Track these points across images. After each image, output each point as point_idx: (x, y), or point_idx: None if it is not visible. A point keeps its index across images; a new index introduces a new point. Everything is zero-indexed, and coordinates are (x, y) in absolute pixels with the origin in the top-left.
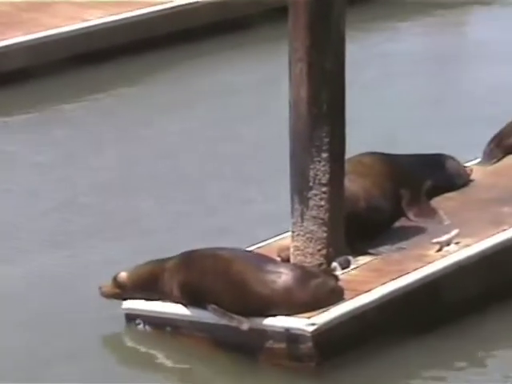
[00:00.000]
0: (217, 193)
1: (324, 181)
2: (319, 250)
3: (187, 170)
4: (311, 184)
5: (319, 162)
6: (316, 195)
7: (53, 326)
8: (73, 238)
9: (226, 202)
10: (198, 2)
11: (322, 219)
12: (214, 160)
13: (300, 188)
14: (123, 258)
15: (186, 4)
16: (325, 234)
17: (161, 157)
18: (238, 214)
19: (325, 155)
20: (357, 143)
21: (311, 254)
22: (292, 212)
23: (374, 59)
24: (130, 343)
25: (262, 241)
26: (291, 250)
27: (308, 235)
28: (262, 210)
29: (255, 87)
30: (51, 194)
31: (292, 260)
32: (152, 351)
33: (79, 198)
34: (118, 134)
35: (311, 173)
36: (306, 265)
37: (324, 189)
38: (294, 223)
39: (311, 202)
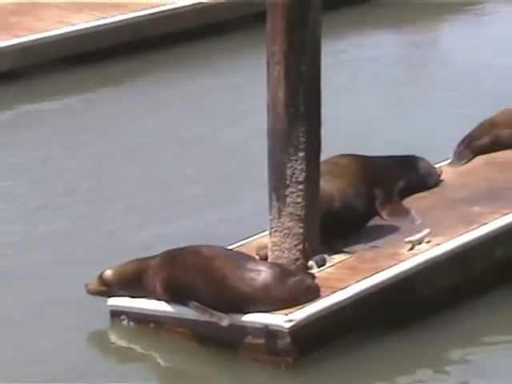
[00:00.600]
0: (193, 195)
1: (301, 179)
2: (296, 245)
3: (162, 173)
4: (288, 182)
5: (296, 160)
6: (293, 193)
7: (39, 322)
8: (48, 240)
9: (202, 204)
10: (181, 7)
11: (298, 216)
12: (191, 162)
13: (277, 186)
14: (98, 259)
15: (169, 9)
16: (301, 230)
17: (135, 159)
18: (214, 216)
19: (301, 154)
20: (331, 143)
21: (288, 249)
22: (270, 209)
23: (343, 64)
24: (114, 339)
25: (242, 239)
26: (269, 245)
27: (285, 231)
28: (239, 212)
29: (235, 89)
30: (26, 197)
31: (270, 255)
32: (136, 346)
33: (52, 200)
34: (95, 135)
35: (288, 171)
36: (283, 262)
37: (301, 186)
38: (271, 219)
39: (288, 199)
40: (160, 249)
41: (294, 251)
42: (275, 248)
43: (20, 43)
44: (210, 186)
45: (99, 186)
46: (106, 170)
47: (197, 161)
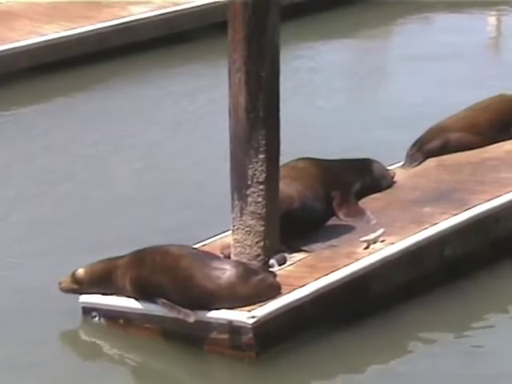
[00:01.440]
0: (144, 199)
1: (261, 179)
2: (257, 243)
3: (113, 179)
4: (249, 182)
5: (257, 162)
6: (254, 192)
7: (13, 319)
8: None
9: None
10: (146, 18)
11: (259, 214)
12: (142, 169)
13: (239, 186)
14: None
15: (135, 20)
16: (262, 228)
17: (87, 166)
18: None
19: (262, 156)
20: (289, 145)
21: (249, 245)
22: (232, 208)
23: (296, 71)
24: (85, 334)
25: (207, 239)
26: (232, 242)
27: (247, 229)
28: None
29: (198, 95)
30: None
31: (232, 251)
32: (106, 342)
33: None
34: (47, 144)
35: (250, 172)
36: (245, 258)
37: (261, 186)
38: (233, 218)
39: (249, 199)
40: (117, 250)
41: (255, 248)
42: (238, 245)
43: None
44: (162, 192)
45: (51, 194)
46: (58, 178)
47: (147, 167)
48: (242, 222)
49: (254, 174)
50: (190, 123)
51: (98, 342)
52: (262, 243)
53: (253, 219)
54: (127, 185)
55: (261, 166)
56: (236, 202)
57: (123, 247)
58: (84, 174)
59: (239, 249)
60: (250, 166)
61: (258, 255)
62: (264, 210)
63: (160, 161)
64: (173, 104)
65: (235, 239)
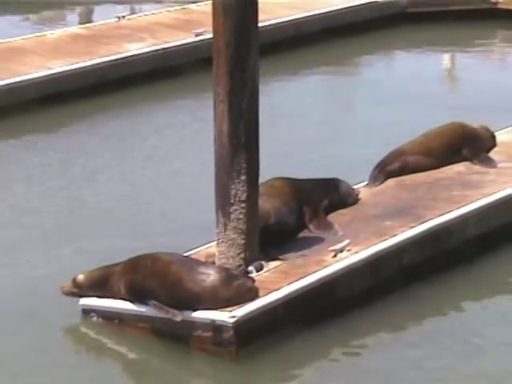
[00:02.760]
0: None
1: (243, 198)
2: (238, 254)
3: (84, 208)
4: (232, 201)
5: (239, 183)
6: (236, 210)
7: (19, 319)
8: None
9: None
10: (139, 54)
11: (240, 229)
12: (112, 198)
13: (223, 204)
14: None
15: (129, 56)
16: (243, 241)
17: (60, 198)
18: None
19: (243, 177)
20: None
21: (232, 256)
22: (217, 223)
23: (275, 103)
24: (85, 333)
25: (193, 248)
26: (216, 254)
27: (229, 242)
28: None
29: (187, 125)
30: None
31: (216, 262)
32: (102, 340)
33: None
34: (24, 176)
35: (232, 192)
36: (229, 267)
37: (243, 205)
38: (218, 232)
39: (232, 216)
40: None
41: (237, 259)
42: (221, 256)
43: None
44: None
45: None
46: (32, 210)
47: (118, 197)
48: (225, 236)
49: (236, 194)
50: (168, 155)
51: (96, 338)
52: (242, 255)
53: (235, 233)
54: (98, 212)
55: (242, 186)
56: (220, 219)
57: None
58: (58, 206)
59: (223, 260)
60: (233, 187)
61: (239, 265)
62: (245, 225)
63: (143, 185)
64: (163, 133)
65: (219, 251)
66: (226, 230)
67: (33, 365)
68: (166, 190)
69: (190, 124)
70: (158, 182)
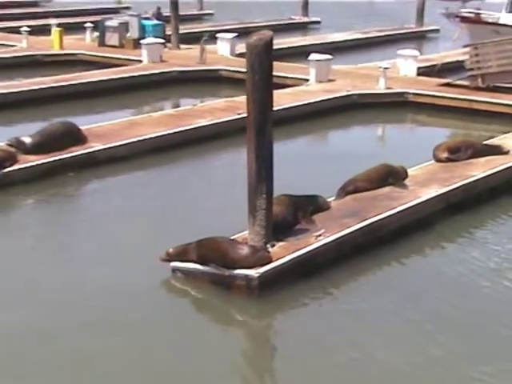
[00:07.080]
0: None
1: (263, 207)
2: (262, 239)
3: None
4: (258, 209)
5: (261, 198)
6: (259, 214)
7: (126, 277)
8: None
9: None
10: (204, 125)
11: (262, 224)
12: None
13: (252, 210)
14: None
15: (199, 126)
16: (263, 232)
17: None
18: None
19: (264, 195)
20: (276, 189)
21: (257, 241)
22: (248, 222)
23: (283, 153)
24: (173, 284)
25: (235, 234)
26: (248, 238)
27: (255, 231)
28: None
29: (230, 167)
30: None
31: (248, 242)
32: (184, 287)
33: None
34: None
35: (258, 203)
36: (255, 245)
37: (264, 211)
38: (249, 227)
39: (257, 217)
40: None
41: (260, 243)
42: (251, 239)
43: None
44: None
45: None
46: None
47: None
48: (253, 228)
49: (260, 204)
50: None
51: (180, 286)
52: (264, 240)
53: (259, 227)
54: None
55: (263, 200)
56: (251, 219)
57: None
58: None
59: (252, 241)
60: (257, 200)
61: (261, 244)
62: (264, 222)
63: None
64: (207, 175)
65: (250, 238)
66: (254, 225)
67: (142, 300)
68: (220, 210)
69: (232, 166)
70: (213, 204)
